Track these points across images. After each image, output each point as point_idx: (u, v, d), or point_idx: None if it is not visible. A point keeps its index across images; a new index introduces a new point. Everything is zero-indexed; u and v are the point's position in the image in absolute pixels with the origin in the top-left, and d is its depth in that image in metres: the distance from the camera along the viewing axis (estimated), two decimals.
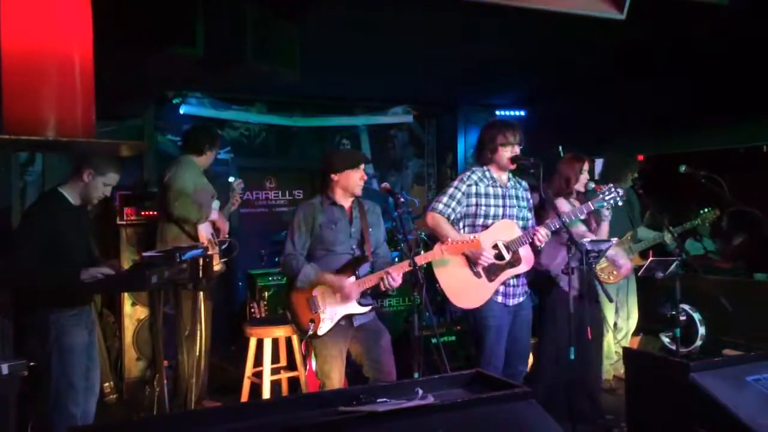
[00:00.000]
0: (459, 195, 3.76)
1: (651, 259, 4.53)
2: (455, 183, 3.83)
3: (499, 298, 3.75)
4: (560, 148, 5.10)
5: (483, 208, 3.75)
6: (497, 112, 7.74)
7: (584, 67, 5.77)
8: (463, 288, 3.70)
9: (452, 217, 3.76)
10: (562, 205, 4.13)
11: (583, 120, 6.48)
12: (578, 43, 4.93)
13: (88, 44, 1.92)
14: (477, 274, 3.68)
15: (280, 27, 4.26)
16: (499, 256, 3.69)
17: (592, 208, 3.87)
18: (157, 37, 3.67)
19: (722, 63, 5.18)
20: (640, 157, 5.81)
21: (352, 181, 3.65)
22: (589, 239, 4.08)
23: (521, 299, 3.83)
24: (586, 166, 4.27)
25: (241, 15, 3.94)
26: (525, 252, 3.75)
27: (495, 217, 3.75)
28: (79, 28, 1.87)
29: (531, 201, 3.97)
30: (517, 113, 7.75)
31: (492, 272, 3.68)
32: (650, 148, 6.20)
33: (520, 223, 3.83)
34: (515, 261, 3.70)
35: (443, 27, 4.57)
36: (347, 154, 3.99)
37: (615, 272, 4.93)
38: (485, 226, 3.74)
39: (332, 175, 3.65)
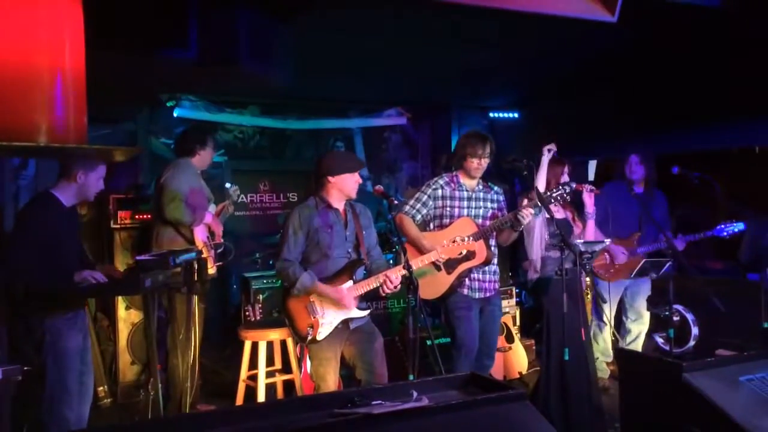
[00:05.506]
0: (425, 198, 4.08)
1: (644, 260, 4.55)
2: (422, 188, 4.15)
3: (465, 291, 4.01)
4: (549, 150, 5.12)
5: (448, 209, 4.05)
6: (491, 114, 7.75)
7: (577, 70, 5.79)
8: (426, 281, 3.95)
9: (417, 218, 4.06)
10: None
11: (576, 122, 6.50)
12: (571, 46, 4.94)
13: (79, 50, 1.92)
14: (437, 268, 3.95)
15: (273, 29, 4.26)
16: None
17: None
18: (150, 40, 3.67)
19: (714, 64, 5.20)
20: None
21: (348, 184, 3.68)
22: (582, 241, 4.14)
23: (489, 294, 4.07)
24: (566, 169, 4.38)
25: (234, 18, 3.95)
26: (480, 247, 3.95)
27: (459, 217, 4.04)
28: (70, 34, 1.87)
29: (503, 202, 4.23)
30: (510, 115, 7.77)
31: (450, 266, 3.94)
32: (643, 150, 6.22)
33: (486, 222, 4.08)
34: (470, 255, 3.93)
35: (437, 29, 4.58)
36: (344, 157, 4.02)
37: (612, 269, 4.94)
38: (450, 225, 4.02)
39: (328, 178, 3.66)
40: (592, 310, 5.35)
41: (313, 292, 3.59)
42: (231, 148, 6.92)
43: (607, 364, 5.30)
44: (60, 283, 3.37)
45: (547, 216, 3.95)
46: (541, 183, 4.15)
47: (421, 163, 8.15)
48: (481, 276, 4.05)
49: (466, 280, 4.00)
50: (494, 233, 4.05)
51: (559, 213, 4.31)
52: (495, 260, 4.11)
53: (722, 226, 4.70)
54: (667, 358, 3.80)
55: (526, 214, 3.85)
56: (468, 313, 3.98)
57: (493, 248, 4.08)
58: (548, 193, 3.94)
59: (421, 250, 3.88)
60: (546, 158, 4.23)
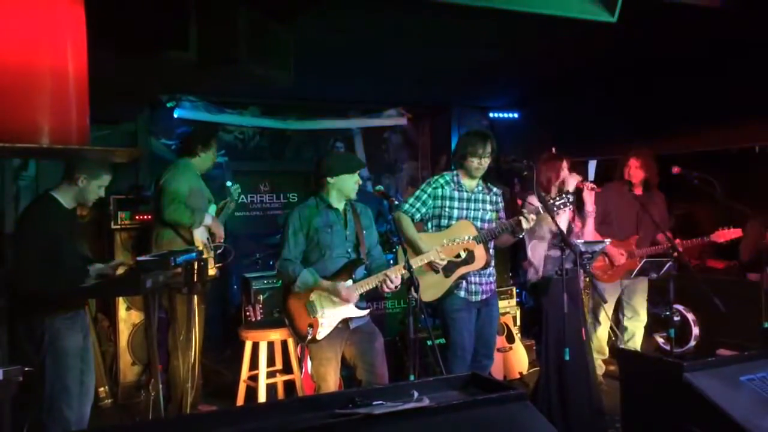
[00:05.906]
0: (424, 197, 4.05)
1: (645, 259, 4.55)
2: (423, 185, 4.12)
3: (462, 293, 3.99)
4: (554, 150, 5.12)
5: (447, 209, 4.02)
6: (491, 114, 7.75)
7: (577, 70, 5.79)
8: (423, 283, 3.90)
9: (416, 217, 4.04)
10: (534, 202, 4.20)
11: (576, 122, 6.51)
12: (571, 46, 4.95)
13: (81, 51, 1.92)
14: (435, 271, 3.92)
15: (274, 30, 4.26)
16: (456, 255, 3.86)
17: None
18: (151, 41, 3.67)
19: (714, 64, 5.20)
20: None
21: (347, 185, 3.68)
22: (582, 240, 4.15)
23: (486, 296, 4.07)
24: (566, 164, 4.37)
25: (235, 18, 3.94)
26: (479, 251, 3.94)
27: (458, 218, 4.01)
28: (72, 36, 1.87)
29: (502, 204, 4.22)
30: (510, 115, 7.77)
31: (448, 269, 3.92)
32: (643, 150, 6.21)
33: (485, 225, 4.04)
34: (470, 259, 3.93)
35: (437, 30, 4.58)
36: (343, 158, 4.02)
37: (610, 271, 4.94)
38: (449, 227, 4.00)
39: (328, 178, 3.67)
40: (589, 309, 5.35)
41: (316, 289, 3.59)
42: (231, 149, 6.93)
43: (602, 361, 5.31)
44: (60, 283, 3.37)
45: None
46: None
47: (421, 163, 8.15)
48: (478, 279, 4.03)
49: (463, 282, 3.98)
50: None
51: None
52: (492, 262, 4.11)
53: (719, 232, 4.72)
54: (667, 358, 3.81)
55: (529, 220, 3.83)
56: (463, 315, 3.97)
57: (491, 251, 4.07)
58: (551, 201, 3.93)
59: (416, 252, 3.86)
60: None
